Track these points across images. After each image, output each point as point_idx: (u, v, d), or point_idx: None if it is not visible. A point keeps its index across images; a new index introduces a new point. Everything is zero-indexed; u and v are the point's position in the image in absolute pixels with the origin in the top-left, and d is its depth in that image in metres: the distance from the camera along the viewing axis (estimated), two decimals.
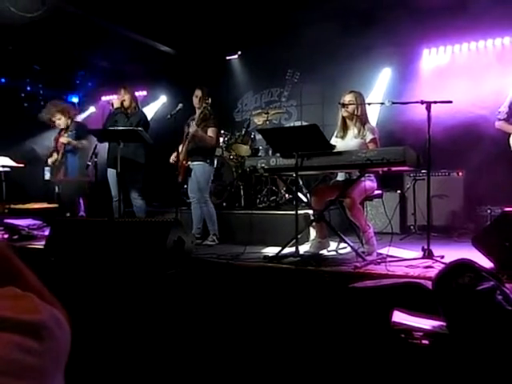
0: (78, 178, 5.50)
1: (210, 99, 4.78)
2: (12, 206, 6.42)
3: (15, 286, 0.55)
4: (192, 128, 4.73)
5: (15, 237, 4.96)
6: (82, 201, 5.73)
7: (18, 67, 7.64)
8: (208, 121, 4.83)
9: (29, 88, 8.35)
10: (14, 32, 6.35)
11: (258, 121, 6.00)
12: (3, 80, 7.85)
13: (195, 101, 4.85)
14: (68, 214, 5.45)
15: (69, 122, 5.58)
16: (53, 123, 5.61)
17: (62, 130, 5.64)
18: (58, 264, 3.84)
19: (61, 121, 5.55)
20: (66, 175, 5.55)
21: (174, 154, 4.85)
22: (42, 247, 4.19)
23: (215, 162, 5.09)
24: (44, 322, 0.50)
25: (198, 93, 4.83)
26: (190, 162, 4.84)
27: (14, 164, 6.07)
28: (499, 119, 4.32)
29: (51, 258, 3.92)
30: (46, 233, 4.54)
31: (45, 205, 6.43)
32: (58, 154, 5.59)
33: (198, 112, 4.83)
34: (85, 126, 5.82)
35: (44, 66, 8.00)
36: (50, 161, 5.68)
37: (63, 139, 5.49)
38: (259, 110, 6.28)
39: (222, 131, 5.80)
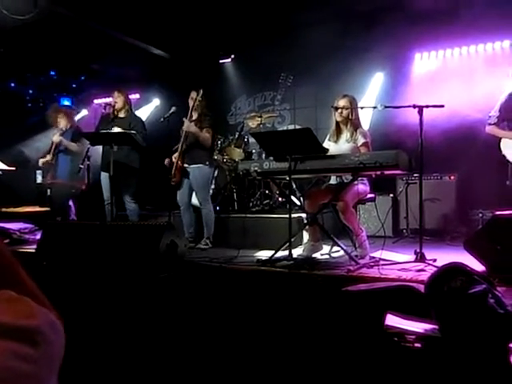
0: (68, 181, 5.46)
1: (204, 101, 4.77)
2: (3, 210, 6.36)
3: (12, 288, 0.54)
4: (185, 124, 4.67)
5: (6, 241, 4.91)
6: (72, 204, 5.69)
7: (9, 70, 7.59)
8: (203, 122, 4.80)
9: (20, 91, 8.30)
10: (6, 35, 6.31)
11: (252, 124, 6.01)
12: None
13: (190, 103, 4.83)
14: (59, 218, 5.40)
15: (68, 125, 5.63)
16: (55, 123, 5.65)
17: (59, 131, 5.62)
18: (49, 268, 3.81)
19: (62, 120, 5.61)
20: (55, 177, 5.51)
21: (174, 156, 4.81)
22: (33, 251, 4.16)
23: (214, 164, 5.04)
24: (39, 327, 0.49)
25: (194, 95, 4.81)
26: (186, 165, 4.79)
27: (5, 167, 6.02)
28: (490, 124, 4.34)
29: (43, 262, 3.89)
30: (38, 236, 4.50)
31: (36, 208, 6.37)
32: (50, 155, 5.57)
33: (193, 114, 4.82)
34: (79, 130, 5.80)
35: (35, 70, 7.96)
36: (40, 161, 5.65)
37: (55, 137, 5.47)
38: (253, 114, 6.28)
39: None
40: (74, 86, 8.60)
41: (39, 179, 5.78)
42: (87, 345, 2.19)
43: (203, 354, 2.33)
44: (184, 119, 4.73)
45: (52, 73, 8.18)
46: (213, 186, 5.10)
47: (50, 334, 0.50)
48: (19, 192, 6.99)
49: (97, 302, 3.01)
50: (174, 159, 4.78)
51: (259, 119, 5.87)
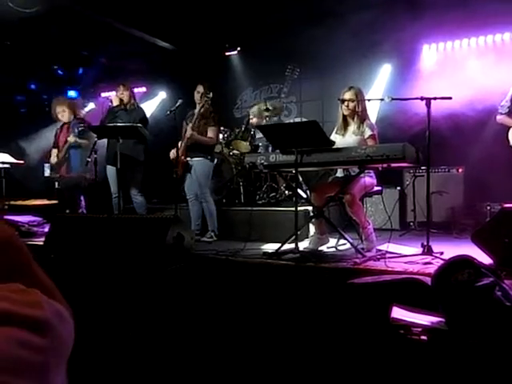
0: (79, 173, 5.45)
1: (211, 94, 4.76)
2: (12, 203, 6.42)
3: (22, 280, 0.54)
4: (188, 132, 4.70)
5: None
6: (82, 197, 5.70)
7: (15, 63, 7.61)
8: (208, 118, 4.79)
9: (27, 84, 8.32)
10: (12, 27, 6.33)
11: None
12: None
13: (197, 96, 4.81)
14: (68, 211, 5.42)
15: (72, 117, 5.52)
16: (56, 117, 5.56)
17: (63, 125, 5.58)
18: (57, 261, 3.85)
19: (65, 113, 5.48)
20: (69, 171, 5.48)
21: (174, 150, 4.82)
22: (41, 244, 4.19)
23: (215, 157, 5.06)
24: (47, 317, 0.50)
25: (200, 88, 4.79)
26: (189, 158, 4.80)
27: (13, 160, 6.06)
28: (501, 113, 4.31)
29: (51, 254, 3.93)
30: (46, 229, 4.54)
31: (45, 201, 6.43)
32: (58, 151, 5.53)
33: (198, 107, 4.81)
34: (86, 123, 5.77)
35: (42, 62, 7.97)
36: (52, 160, 5.56)
37: (70, 138, 5.39)
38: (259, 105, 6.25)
39: (222, 128, 5.77)
40: (80, 79, 8.61)
41: (47, 172, 5.78)
42: (96, 337, 2.21)
43: (210, 346, 2.34)
44: (188, 127, 4.73)
45: (58, 66, 8.19)
46: (210, 180, 5.04)
47: (58, 325, 0.51)
48: (28, 185, 7.05)
49: (104, 295, 3.04)
50: (174, 154, 4.78)
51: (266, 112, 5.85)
